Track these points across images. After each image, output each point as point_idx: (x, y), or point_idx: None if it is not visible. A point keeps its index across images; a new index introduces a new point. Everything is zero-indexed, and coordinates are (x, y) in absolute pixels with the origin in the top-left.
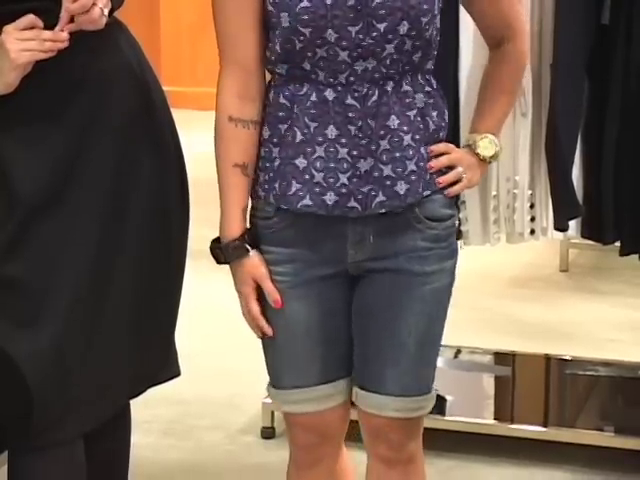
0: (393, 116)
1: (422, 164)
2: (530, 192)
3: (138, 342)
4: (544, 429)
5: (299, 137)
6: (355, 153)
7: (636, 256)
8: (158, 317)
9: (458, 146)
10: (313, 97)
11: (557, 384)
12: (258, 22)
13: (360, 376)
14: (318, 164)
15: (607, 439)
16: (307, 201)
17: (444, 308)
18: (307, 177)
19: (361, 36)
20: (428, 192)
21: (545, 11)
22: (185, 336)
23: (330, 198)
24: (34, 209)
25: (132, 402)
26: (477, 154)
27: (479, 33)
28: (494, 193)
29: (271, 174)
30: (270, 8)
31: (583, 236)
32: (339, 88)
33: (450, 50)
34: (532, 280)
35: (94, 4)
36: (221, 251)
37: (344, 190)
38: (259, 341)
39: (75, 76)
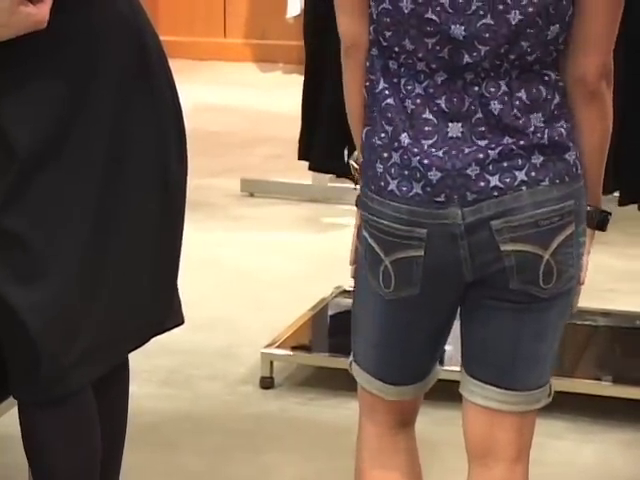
0: None
1: None
2: None
3: (142, 291)
4: None
5: None
6: None
7: (635, 206)
8: (161, 266)
9: None
10: None
11: None
12: None
13: None
14: None
15: (605, 388)
16: None
17: None
18: None
19: None
20: None
21: None
22: (183, 286)
23: None
24: (33, 163)
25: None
26: None
27: None
28: None
29: None
30: None
31: None
32: None
33: None
34: None
35: None
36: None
37: None
38: (257, 292)
39: (68, 29)
